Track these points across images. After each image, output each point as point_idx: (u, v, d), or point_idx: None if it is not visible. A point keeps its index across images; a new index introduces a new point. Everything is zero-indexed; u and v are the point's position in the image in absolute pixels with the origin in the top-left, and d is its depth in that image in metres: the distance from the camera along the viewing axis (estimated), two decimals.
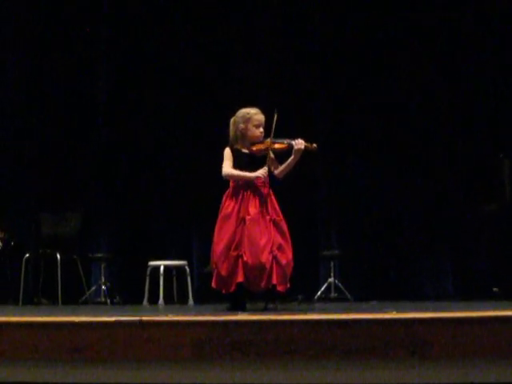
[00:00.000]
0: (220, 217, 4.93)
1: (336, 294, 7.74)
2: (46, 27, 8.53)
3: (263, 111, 5.02)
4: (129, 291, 8.05)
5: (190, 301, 7.51)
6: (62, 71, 8.43)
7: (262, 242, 4.77)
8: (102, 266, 8.07)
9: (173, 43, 8.46)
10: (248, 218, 4.82)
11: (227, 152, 5.01)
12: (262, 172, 4.90)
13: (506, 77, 7.93)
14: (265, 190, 4.95)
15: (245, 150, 5.02)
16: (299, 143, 4.92)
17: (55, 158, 8.33)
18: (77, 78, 8.47)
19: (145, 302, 7.47)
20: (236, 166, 4.98)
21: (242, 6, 8.45)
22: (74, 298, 7.79)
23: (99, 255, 8.19)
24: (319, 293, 7.73)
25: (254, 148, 4.98)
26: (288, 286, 4.88)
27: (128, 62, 8.52)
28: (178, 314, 3.70)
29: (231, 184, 5.00)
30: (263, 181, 4.93)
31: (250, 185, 4.93)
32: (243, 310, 4.72)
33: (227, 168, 4.97)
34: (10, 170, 8.44)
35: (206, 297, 7.31)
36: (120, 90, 8.53)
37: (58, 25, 8.51)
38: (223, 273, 4.79)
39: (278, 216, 4.93)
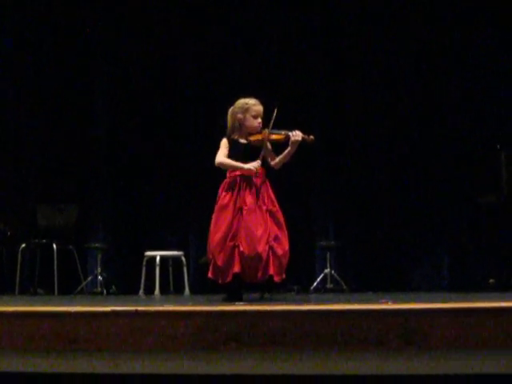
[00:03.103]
0: (216, 207, 4.93)
1: (332, 285, 7.77)
2: (48, 26, 8.54)
3: (262, 102, 5.02)
4: (125, 281, 8.06)
5: (186, 291, 7.53)
6: (62, 65, 8.45)
7: (259, 232, 4.77)
8: (98, 256, 8.08)
9: (173, 35, 8.44)
10: (244, 208, 4.82)
11: (224, 142, 5.00)
12: (254, 164, 4.89)
13: (503, 69, 7.94)
14: (261, 181, 4.95)
15: (242, 141, 5.01)
16: (296, 135, 4.91)
17: (52, 149, 8.34)
18: (76, 71, 8.47)
19: (141, 292, 7.48)
20: (233, 156, 4.97)
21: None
22: (70, 288, 7.80)
23: (95, 245, 8.20)
24: (315, 283, 7.74)
25: (252, 138, 4.98)
26: (284, 276, 4.88)
27: (128, 54, 8.51)
28: (174, 304, 3.69)
29: (228, 175, 4.99)
30: (256, 172, 4.91)
31: (246, 176, 4.93)
32: (239, 300, 4.72)
33: (220, 157, 4.96)
34: (8, 161, 8.44)
35: (202, 287, 7.33)
36: (118, 84, 8.53)
37: (59, 24, 8.51)
38: (219, 263, 4.79)
39: (275, 206, 4.93)
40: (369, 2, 8.31)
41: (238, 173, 4.94)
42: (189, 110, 8.42)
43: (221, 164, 4.96)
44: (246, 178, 4.93)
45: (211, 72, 8.36)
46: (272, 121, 4.92)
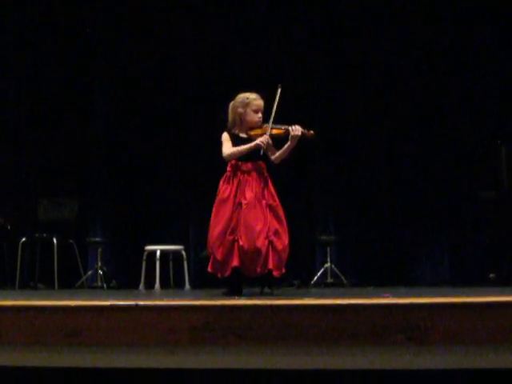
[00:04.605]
0: (216, 201, 4.93)
1: (332, 280, 7.76)
2: (48, 26, 8.54)
3: (262, 98, 5.02)
4: (125, 275, 8.06)
5: (187, 285, 7.53)
6: (62, 65, 8.45)
7: (258, 226, 4.77)
8: (99, 250, 8.08)
9: (173, 35, 8.42)
10: (244, 202, 4.82)
11: (225, 136, 5.00)
12: (262, 139, 4.87)
13: (504, 65, 7.93)
14: (262, 175, 4.95)
15: (242, 135, 5.01)
16: (296, 129, 4.91)
17: (53, 143, 8.33)
18: (76, 71, 8.47)
19: (141, 286, 7.48)
20: None
21: None
22: (70, 282, 7.81)
23: (96, 239, 8.20)
24: (316, 278, 7.74)
25: (252, 133, 4.98)
26: (283, 271, 4.88)
27: (128, 54, 8.50)
28: (174, 299, 3.69)
29: (228, 168, 4.99)
30: (264, 146, 4.88)
31: (246, 170, 4.92)
32: (239, 294, 4.73)
33: (227, 149, 4.95)
34: (8, 155, 8.43)
35: (203, 281, 7.33)
36: (118, 84, 8.52)
37: (59, 24, 8.50)
38: (219, 257, 4.80)
39: (275, 201, 4.93)
40: (369, 1, 8.29)
41: (239, 167, 4.93)
42: (189, 109, 8.41)
43: (230, 155, 4.94)
44: (247, 171, 4.92)
45: (211, 71, 8.35)
46: (275, 106, 4.91)
